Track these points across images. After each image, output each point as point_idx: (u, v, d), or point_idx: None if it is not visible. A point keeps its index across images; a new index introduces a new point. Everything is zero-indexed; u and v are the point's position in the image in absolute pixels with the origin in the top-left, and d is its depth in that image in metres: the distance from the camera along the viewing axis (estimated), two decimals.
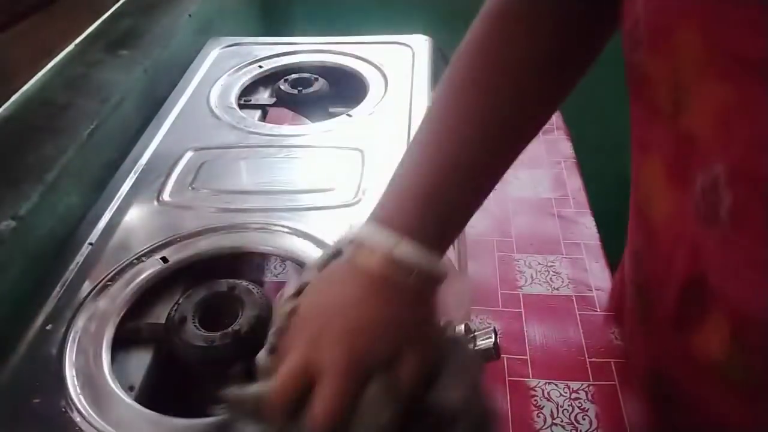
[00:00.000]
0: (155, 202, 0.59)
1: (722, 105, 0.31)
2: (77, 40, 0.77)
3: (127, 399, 0.43)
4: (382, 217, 0.37)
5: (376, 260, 0.35)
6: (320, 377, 0.34)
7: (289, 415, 0.35)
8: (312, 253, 0.52)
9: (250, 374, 0.52)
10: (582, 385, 0.61)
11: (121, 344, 0.48)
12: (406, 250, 0.35)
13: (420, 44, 0.85)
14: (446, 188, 0.38)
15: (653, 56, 0.35)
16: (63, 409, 0.41)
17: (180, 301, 0.48)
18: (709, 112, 0.32)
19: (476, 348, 0.41)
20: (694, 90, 0.32)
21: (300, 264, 0.51)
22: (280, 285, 0.71)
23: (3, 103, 0.63)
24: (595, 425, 0.58)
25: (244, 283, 0.49)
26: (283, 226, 0.55)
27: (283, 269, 0.74)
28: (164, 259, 0.52)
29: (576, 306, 0.70)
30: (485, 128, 0.39)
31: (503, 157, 0.41)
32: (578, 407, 0.60)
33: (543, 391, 0.61)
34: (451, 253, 0.59)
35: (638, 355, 0.54)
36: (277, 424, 0.35)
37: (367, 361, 0.34)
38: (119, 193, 0.60)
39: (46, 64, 0.71)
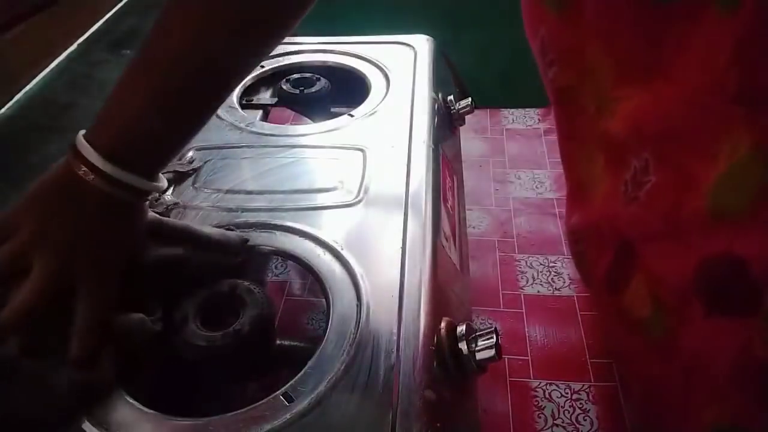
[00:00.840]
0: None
1: (639, 105, 0.36)
2: (80, 40, 0.77)
3: (128, 399, 0.43)
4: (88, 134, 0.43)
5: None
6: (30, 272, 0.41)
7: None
8: (314, 252, 0.52)
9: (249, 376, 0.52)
10: (583, 386, 0.61)
11: None
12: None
13: (422, 44, 0.84)
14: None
15: (568, 72, 0.40)
16: None
17: (181, 301, 0.48)
18: (629, 113, 0.37)
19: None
20: (613, 96, 0.38)
21: (301, 263, 0.51)
22: (282, 284, 0.71)
23: (6, 103, 0.64)
24: (596, 426, 0.58)
25: (245, 282, 0.49)
26: (284, 225, 0.55)
27: (285, 269, 0.74)
28: None
29: (577, 306, 0.70)
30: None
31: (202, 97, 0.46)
32: (579, 408, 0.60)
33: (544, 391, 0.61)
34: (453, 252, 0.59)
35: (597, 325, 0.61)
36: None
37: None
38: None
39: (49, 63, 0.71)
